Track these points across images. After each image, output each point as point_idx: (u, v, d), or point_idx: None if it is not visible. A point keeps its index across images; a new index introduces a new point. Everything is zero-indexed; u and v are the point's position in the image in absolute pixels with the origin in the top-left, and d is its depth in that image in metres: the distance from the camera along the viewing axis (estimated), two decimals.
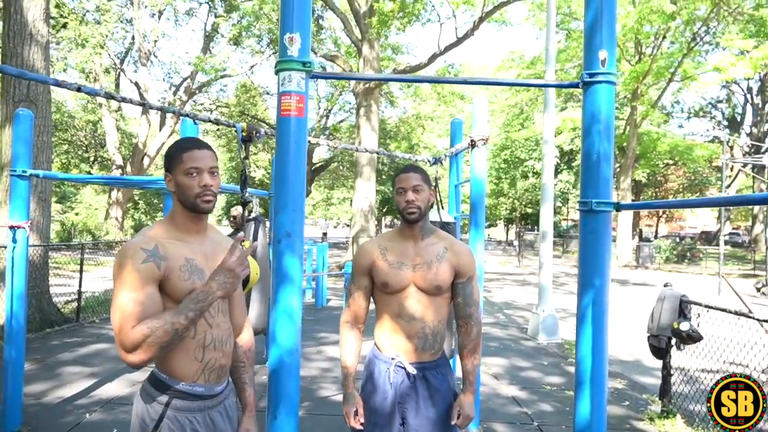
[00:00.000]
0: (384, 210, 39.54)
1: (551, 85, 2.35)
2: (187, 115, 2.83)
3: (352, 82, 18.20)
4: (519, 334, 8.43)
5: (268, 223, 3.70)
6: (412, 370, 2.18)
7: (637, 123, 24.17)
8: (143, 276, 1.62)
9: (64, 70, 21.72)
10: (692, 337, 4.49)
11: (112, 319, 1.59)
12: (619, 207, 1.99)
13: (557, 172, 32.99)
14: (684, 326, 4.49)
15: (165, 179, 1.79)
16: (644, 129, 25.88)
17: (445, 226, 3.62)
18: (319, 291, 10.63)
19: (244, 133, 2.77)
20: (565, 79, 15.78)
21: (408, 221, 2.21)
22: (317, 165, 30.79)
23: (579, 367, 1.99)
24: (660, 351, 4.86)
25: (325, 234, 38.10)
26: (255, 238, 3.74)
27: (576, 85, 2.13)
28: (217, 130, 28.77)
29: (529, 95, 28.04)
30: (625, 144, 24.89)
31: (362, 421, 2.17)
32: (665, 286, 4.97)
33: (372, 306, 2.32)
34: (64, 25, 19.35)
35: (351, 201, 18.61)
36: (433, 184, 2.45)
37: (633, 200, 29.49)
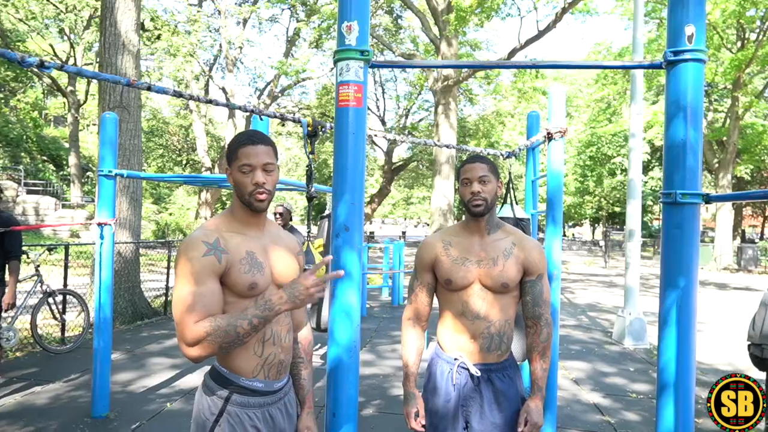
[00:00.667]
0: (463, 209, 39.13)
1: (629, 66, 2.15)
2: (252, 111, 2.87)
3: (431, 81, 18.05)
4: (603, 338, 8.00)
5: None
6: (476, 372, 2.06)
7: (739, 115, 22.39)
8: (204, 269, 1.62)
9: (160, 79, 23.10)
10: None
11: (173, 311, 1.60)
12: (708, 198, 1.78)
13: (648, 168, 31.26)
14: None
15: (226, 173, 1.79)
16: (747, 121, 23.93)
17: (518, 222, 3.46)
18: (395, 289, 10.64)
19: (309, 129, 2.76)
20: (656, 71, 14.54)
21: (473, 214, 2.10)
22: (397, 164, 30.85)
23: (662, 373, 1.81)
24: (763, 362, 4.39)
25: (404, 233, 38.23)
26: (329, 234, 3.76)
27: (659, 66, 1.93)
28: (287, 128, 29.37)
29: (616, 89, 26.65)
30: (725, 138, 23.14)
31: (423, 422, 2.07)
32: None
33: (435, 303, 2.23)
34: (158, 37, 20.56)
35: (430, 200, 18.48)
36: (506, 177, 2.32)
37: None
